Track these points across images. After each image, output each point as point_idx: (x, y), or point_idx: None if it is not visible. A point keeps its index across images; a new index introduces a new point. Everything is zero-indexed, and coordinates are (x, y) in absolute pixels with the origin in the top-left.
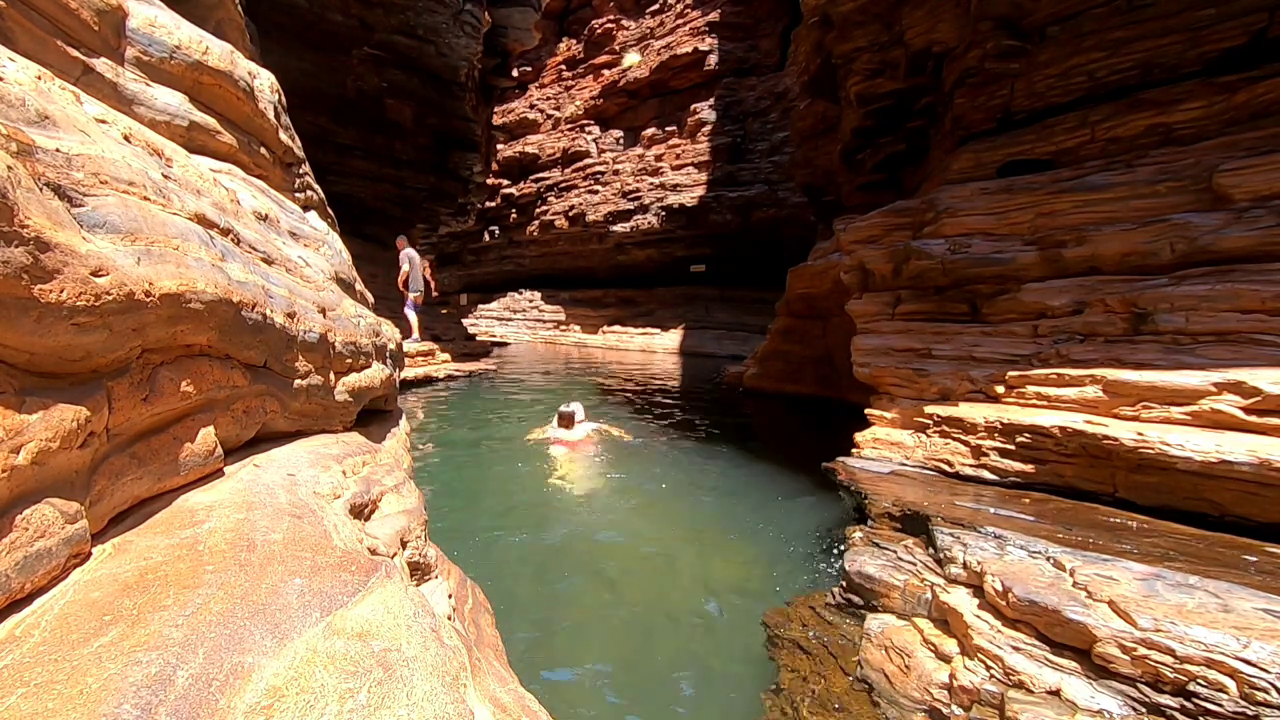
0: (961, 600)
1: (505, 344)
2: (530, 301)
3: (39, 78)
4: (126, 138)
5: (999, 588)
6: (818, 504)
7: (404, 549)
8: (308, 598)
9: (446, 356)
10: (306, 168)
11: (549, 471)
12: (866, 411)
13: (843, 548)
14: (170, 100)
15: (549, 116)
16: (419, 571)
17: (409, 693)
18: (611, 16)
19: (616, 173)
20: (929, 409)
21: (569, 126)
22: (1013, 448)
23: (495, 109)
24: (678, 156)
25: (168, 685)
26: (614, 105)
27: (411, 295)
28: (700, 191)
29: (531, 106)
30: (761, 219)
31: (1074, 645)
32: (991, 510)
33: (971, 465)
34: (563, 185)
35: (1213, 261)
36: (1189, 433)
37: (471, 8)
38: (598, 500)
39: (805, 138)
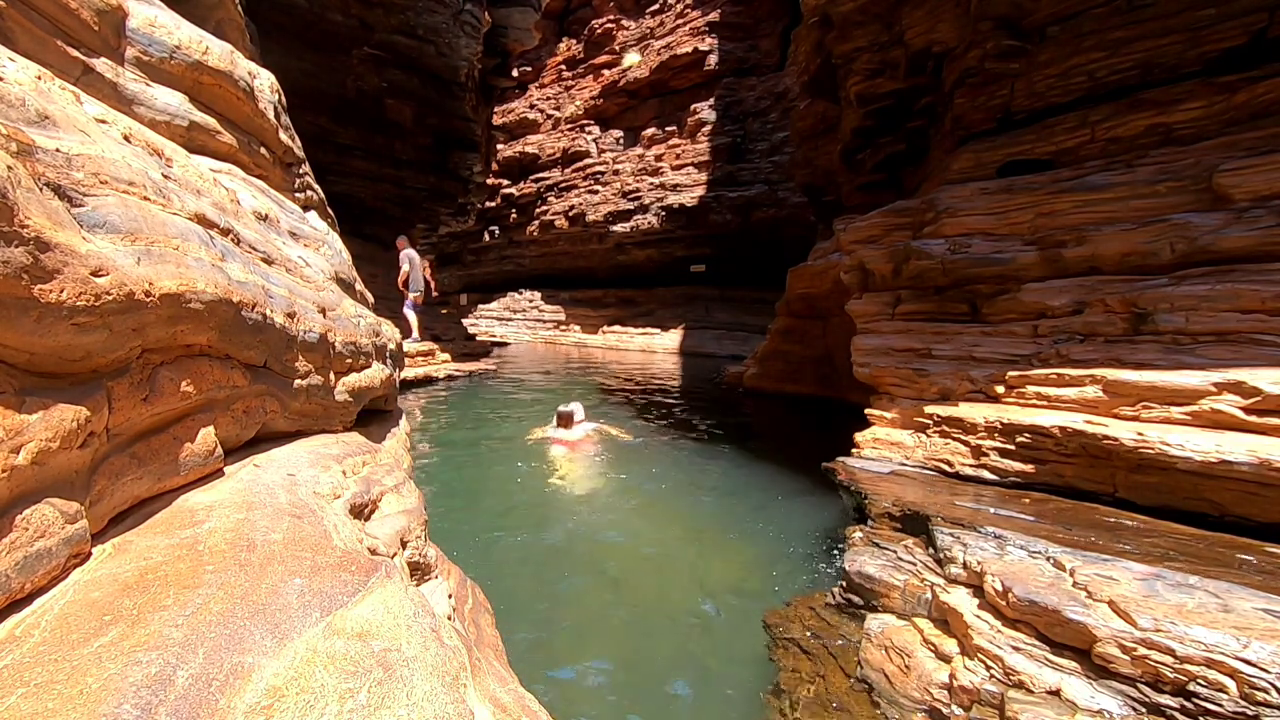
0: (961, 600)
1: (505, 344)
2: (530, 301)
3: (39, 78)
4: (126, 138)
5: (999, 588)
6: (818, 504)
7: (404, 549)
8: (308, 598)
9: (446, 356)
10: (306, 168)
11: (549, 471)
12: (866, 411)
13: (843, 548)
14: (170, 100)
15: (549, 116)
16: (419, 571)
17: (409, 693)
18: (611, 16)
19: (616, 173)
20: (929, 409)
21: (569, 126)
22: (1013, 448)
23: (495, 109)
24: (678, 156)
25: (168, 685)
26: (614, 105)
27: (411, 295)
28: (700, 191)
29: (531, 106)
30: (761, 219)
31: (1074, 645)
32: (991, 510)
33: (971, 465)
34: (563, 185)
35: (1213, 261)
36: (1189, 433)
37: (471, 8)
38: (598, 500)
39: (805, 138)
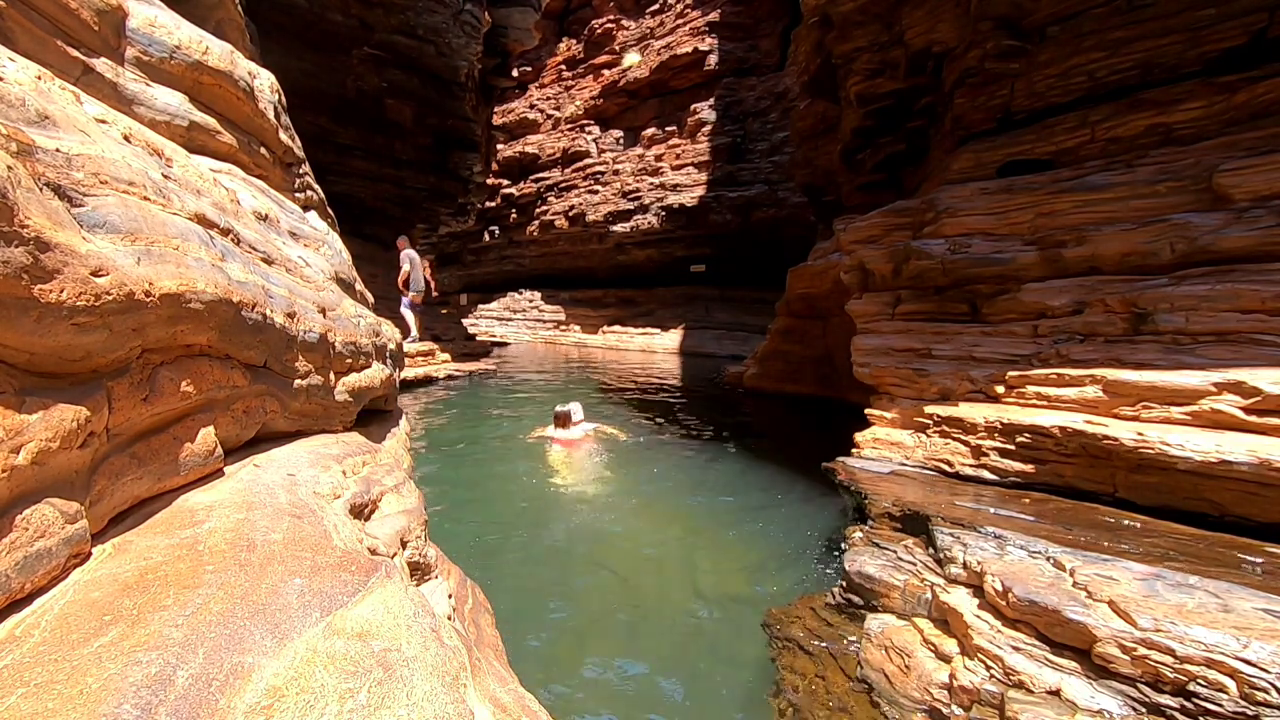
0: (961, 600)
1: (505, 344)
2: (530, 301)
3: (39, 78)
4: (126, 138)
5: (999, 588)
6: (818, 504)
7: (404, 549)
8: (308, 598)
9: (446, 356)
10: (306, 168)
11: (549, 471)
12: (866, 411)
13: (843, 548)
14: (170, 100)
15: (549, 116)
16: (419, 571)
17: (409, 693)
18: (611, 16)
19: (616, 173)
20: (929, 409)
21: (569, 126)
22: (1013, 448)
23: (495, 109)
24: (678, 156)
25: (168, 685)
26: (614, 105)
27: (411, 294)
28: (700, 191)
29: (531, 106)
30: (761, 219)
31: (1074, 645)
32: (991, 510)
33: (971, 465)
34: (563, 185)
35: (1213, 261)
36: (1189, 433)
37: (471, 8)
38: (598, 500)
39: (805, 138)
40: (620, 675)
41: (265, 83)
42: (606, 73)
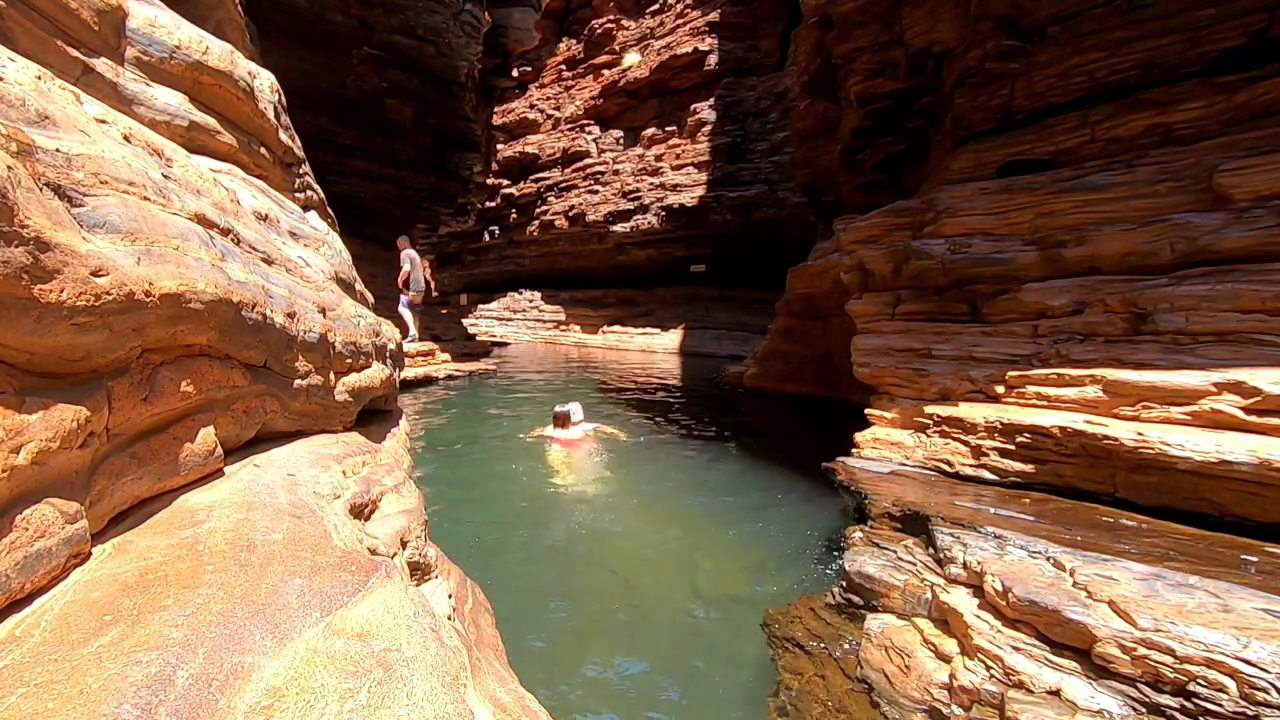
0: (961, 600)
1: (505, 344)
2: (530, 301)
3: (39, 78)
4: (126, 138)
5: (999, 588)
6: (818, 504)
7: (404, 549)
8: (308, 598)
9: (446, 356)
10: (306, 168)
11: (549, 471)
12: (866, 411)
13: (843, 548)
14: (170, 100)
15: (549, 116)
16: (419, 571)
17: (409, 693)
18: (611, 16)
19: (616, 173)
20: (929, 409)
21: (569, 126)
22: (1013, 448)
23: (495, 109)
24: (678, 156)
25: (168, 685)
26: (614, 105)
27: (410, 294)
28: (700, 191)
29: (531, 106)
30: (761, 219)
31: (1074, 645)
32: (991, 510)
33: (971, 465)
34: (563, 185)
35: (1213, 261)
36: (1189, 433)
37: (471, 8)
38: (597, 500)
39: (805, 138)
40: (620, 675)
41: (265, 83)
42: (606, 73)
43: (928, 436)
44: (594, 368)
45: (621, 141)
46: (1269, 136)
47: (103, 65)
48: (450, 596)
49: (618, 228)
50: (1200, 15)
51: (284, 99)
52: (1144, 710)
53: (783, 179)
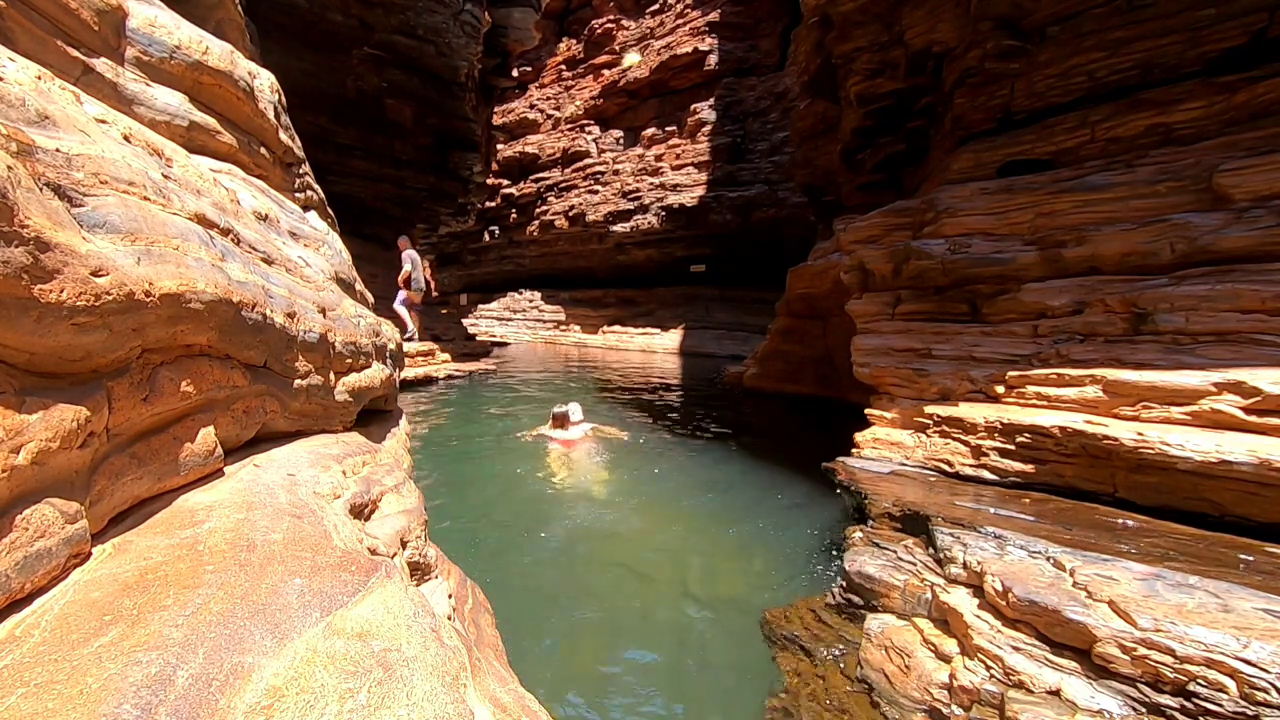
0: (961, 600)
1: (505, 344)
2: (530, 301)
3: (39, 78)
4: (126, 138)
5: (999, 588)
6: (818, 504)
7: (404, 549)
8: (308, 598)
9: (446, 356)
10: (306, 168)
11: (549, 471)
12: (866, 411)
13: (843, 548)
14: (170, 100)
15: (549, 116)
16: (419, 571)
17: (409, 693)
18: (611, 16)
19: (616, 173)
20: (929, 409)
21: (569, 126)
22: (1013, 448)
23: (495, 109)
24: (678, 156)
25: (168, 685)
26: (614, 105)
27: (409, 293)
28: (700, 191)
29: (531, 106)
30: (761, 219)
31: (1074, 645)
32: (991, 510)
33: (971, 465)
34: (563, 185)
35: (1213, 261)
36: (1189, 433)
37: (471, 8)
38: (597, 500)
39: (805, 138)
40: (620, 675)
41: (265, 83)
42: (606, 73)
43: (928, 436)
44: (594, 368)
45: (621, 141)
46: (1269, 136)
47: (103, 65)
48: (450, 596)
49: (618, 228)
50: (1200, 15)
51: (284, 99)
52: (1144, 710)
53: (783, 179)
